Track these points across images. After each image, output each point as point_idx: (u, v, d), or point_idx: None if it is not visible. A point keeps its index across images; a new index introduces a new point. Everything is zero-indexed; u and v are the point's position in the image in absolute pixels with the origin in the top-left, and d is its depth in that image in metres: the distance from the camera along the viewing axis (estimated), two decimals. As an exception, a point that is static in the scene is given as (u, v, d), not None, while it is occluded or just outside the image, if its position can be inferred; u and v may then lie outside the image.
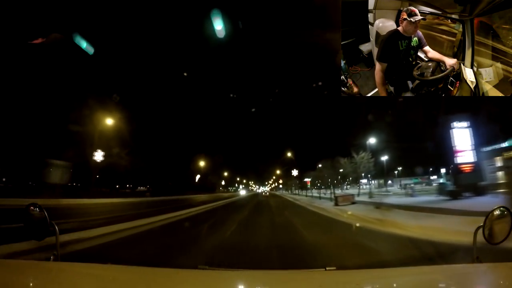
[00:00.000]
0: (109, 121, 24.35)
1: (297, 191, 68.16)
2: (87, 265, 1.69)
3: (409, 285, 1.46)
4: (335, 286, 1.47)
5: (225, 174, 78.99)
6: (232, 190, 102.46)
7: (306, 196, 44.68)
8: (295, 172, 59.88)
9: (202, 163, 52.78)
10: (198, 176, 54.81)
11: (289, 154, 54.10)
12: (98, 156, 24.70)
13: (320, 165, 39.84)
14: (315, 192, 43.97)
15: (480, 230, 1.57)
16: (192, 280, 1.53)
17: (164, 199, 28.06)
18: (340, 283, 1.50)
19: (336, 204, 19.46)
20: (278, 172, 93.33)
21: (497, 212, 1.55)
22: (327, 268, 1.67)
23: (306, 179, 55.61)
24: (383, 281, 1.49)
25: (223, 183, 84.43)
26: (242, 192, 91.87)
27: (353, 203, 20.17)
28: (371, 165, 26.00)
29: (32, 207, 1.70)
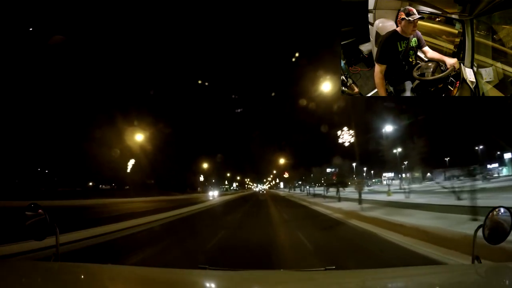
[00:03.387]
0: None
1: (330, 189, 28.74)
2: (87, 265, 1.70)
3: (409, 285, 1.45)
4: (335, 286, 1.46)
5: (205, 166, 51.39)
6: (224, 190, 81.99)
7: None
8: (347, 136, 25.99)
9: (138, 137, 25.81)
10: (131, 163, 28.31)
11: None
12: None
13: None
14: (347, 192, 22.79)
15: (480, 230, 1.57)
16: (192, 280, 1.53)
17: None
18: (340, 283, 1.50)
19: None
20: (282, 161, 58.87)
21: (497, 212, 1.55)
22: (327, 268, 1.66)
23: (328, 169, 27.89)
24: (383, 281, 1.49)
25: (202, 179, 56.45)
26: (211, 194, 46.61)
27: None
28: None
29: (32, 207, 1.70)
